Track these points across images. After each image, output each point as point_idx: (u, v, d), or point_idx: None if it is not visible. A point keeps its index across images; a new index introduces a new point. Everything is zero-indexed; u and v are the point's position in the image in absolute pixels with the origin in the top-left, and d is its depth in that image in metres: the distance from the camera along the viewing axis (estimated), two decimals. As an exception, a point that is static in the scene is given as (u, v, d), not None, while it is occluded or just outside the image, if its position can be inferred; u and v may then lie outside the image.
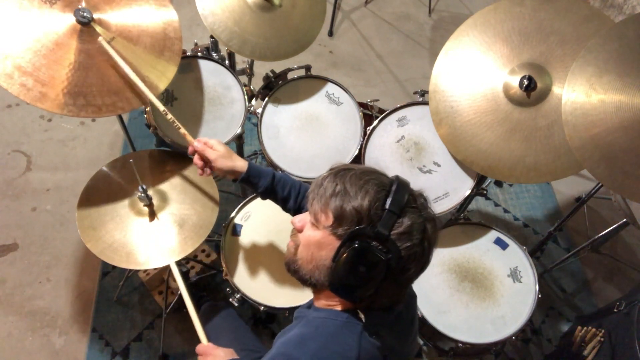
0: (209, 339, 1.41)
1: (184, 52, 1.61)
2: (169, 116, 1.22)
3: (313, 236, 0.81)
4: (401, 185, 0.79)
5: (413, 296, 0.99)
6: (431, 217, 0.81)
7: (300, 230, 0.85)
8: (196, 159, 1.18)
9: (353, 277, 0.76)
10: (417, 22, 3.17)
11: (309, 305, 0.92)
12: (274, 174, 1.20)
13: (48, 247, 2.04)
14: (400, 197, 0.77)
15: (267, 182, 1.18)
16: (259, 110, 1.67)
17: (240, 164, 1.17)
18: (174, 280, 1.86)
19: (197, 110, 1.64)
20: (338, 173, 0.80)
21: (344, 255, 0.76)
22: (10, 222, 2.09)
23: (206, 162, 1.17)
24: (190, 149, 1.19)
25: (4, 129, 2.37)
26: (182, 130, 1.22)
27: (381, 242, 0.75)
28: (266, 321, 1.91)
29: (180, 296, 1.80)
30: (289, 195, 1.19)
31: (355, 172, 0.80)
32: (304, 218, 0.85)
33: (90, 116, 1.26)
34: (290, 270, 0.87)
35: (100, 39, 1.25)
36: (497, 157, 1.44)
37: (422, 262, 0.80)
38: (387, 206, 0.75)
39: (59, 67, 1.20)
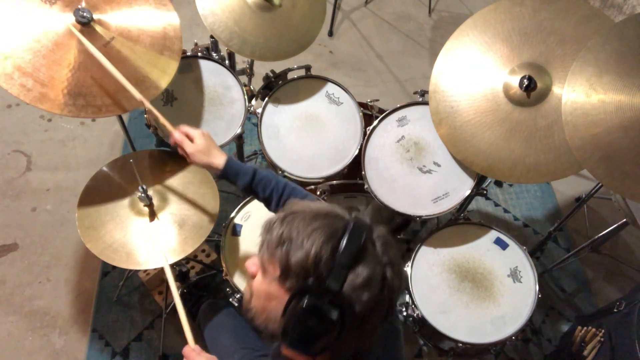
0: (210, 338, 1.41)
1: (184, 52, 1.61)
2: (147, 104, 1.21)
3: (262, 286, 0.75)
4: (356, 230, 0.70)
5: (394, 332, 0.94)
6: (392, 261, 0.73)
7: (253, 276, 0.79)
8: (179, 149, 1.16)
9: (305, 334, 0.69)
10: (417, 22, 3.17)
11: (276, 349, 0.86)
12: (254, 173, 1.14)
13: (48, 247, 2.04)
14: (353, 245, 0.68)
15: (246, 182, 1.13)
16: (259, 110, 1.67)
17: (218, 162, 1.13)
18: (174, 280, 1.85)
19: (197, 110, 1.64)
20: (286, 217, 0.73)
21: (293, 311, 0.69)
22: (10, 222, 2.09)
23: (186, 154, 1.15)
24: (171, 140, 1.17)
25: (4, 129, 2.36)
26: (162, 120, 1.20)
27: (332, 297, 0.68)
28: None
29: (181, 296, 1.80)
30: (270, 197, 1.14)
31: (304, 216, 0.72)
32: (257, 263, 0.78)
33: (90, 116, 1.26)
34: (246, 317, 0.81)
35: (84, 41, 1.23)
36: (497, 157, 1.44)
37: (384, 311, 0.73)
38: (337, 258, 0.67)
39: (58, 67, 1.20)
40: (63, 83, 1.20)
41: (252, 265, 0.79)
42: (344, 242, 0.68)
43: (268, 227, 0.75)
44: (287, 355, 0.79)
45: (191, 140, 1.15)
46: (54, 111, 1.18)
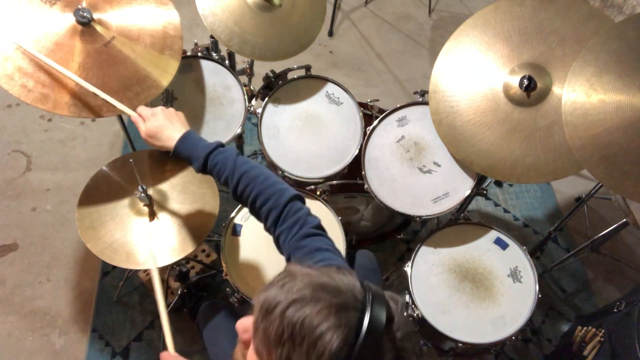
0: (208, 339, 1.41)
1: (184, 52, 1.61)
2: (91, 87, 1.15)
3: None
4: (372, 329, 0.58)
5: None
6: (412, 358, 0.62)
7: (246, 345, 0.69)
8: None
9: None
10: (417, 22, 3.17)
11: None
12: (207, 156, 0.99)
13: (48, 247, 2.04)
14: (368, 353, 0.58)
15: (199, 165, 1.00)
16: (259, 110, 1.67)
17: (169, 144, 1.01)
18: (174, 280, 1.86)
19: (197, 110, 1.64)
20: (288, 307, 0.59)
21: None
22: (10, 222, 2.09)
23: None
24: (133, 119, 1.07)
25: (4, 129, 2.37)
26: (119, 105, 1.11)
27: None
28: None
29: (180, 296, 1.81)
30: (226, 183, 1.00)
31: (310, 310, 0.58)
32: (248, 328, 0.67)
33: (92, 116, 1.26)
34: None
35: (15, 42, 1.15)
36: (497, 157, 1.44)
37: None
38: None
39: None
40: (64, 83, 1.20)
41: (243, 332, 0.69)
42: (356, 349, 0.57)
43: (265, 311, 0.62)
44: None
45: (143, 120, 1.03)
46: (56, 112, 1.18)
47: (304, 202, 0.98)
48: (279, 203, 0.93)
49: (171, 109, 1.05)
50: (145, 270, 1.91)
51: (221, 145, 1.02)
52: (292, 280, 0.63)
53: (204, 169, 1.00)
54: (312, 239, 0.91)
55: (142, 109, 1.05)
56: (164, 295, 1.17)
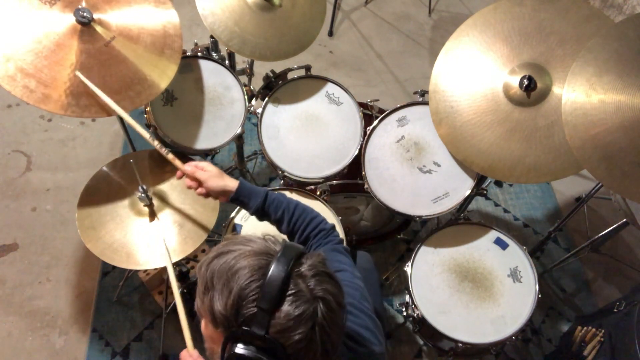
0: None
1: (184, 52, 1.61)
2: (156, 143, 1.21)
3: (206, 330, 0.75)
4: (278, 268, 0.67)
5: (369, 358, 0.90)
6: (324, 295, 0.69)
7: (201, 315, 0.78)
8: (187, 181, 1.17)
9: None
10: (417, 22, 3.17)
11: None
12: (266, 194, 1.14)
13: (48, 247, 2.04)
14: (273, 287, 0.66)
15: (259, 203, 1.13)
16: (259, 110, 1.67)
17: (232, 184, 1.14)
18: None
19: (197, 110, 1.64)
20: (213, 260, 0.71)
21: (228, 358, 0.68)
22: (10, 222, 2.09)
23: (199, 183, 1.16)
24: (178, 173, 1.18)
25: (4, 129, 2.37)
26: (171, 156, 1.20)
27: (260, 342, 0.67)
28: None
29: (180, 296, 1.80)
30: (282, 218, 1.14)
31: (228, 257, 0.70)
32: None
33: (93, 116, 1.26)
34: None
35: (77, 73, 1.23)
36: (497, 157, 1.44)
37: (320, 348, 0.70)
38: (257, 302, 0.66)
39: (60, 68, 1.20)
40: (65, 83, 1.20)
41: (198, 308, 0.77)
42: (264, 283, 0.66)
43: (198, 269, 0.73)
44: None
45: (201, 169, 1.16)
46: (58, 112, 1.19)
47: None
48: (327, 227, 1.13)
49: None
50: (145, 270, 1.91)
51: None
52: (223, 243, 0.74)
53: (262, 205, 1.14)
54: (337, 254, 1.07)
55: (194, 162, 1.18)
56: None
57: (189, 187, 1.17)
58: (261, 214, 1.16)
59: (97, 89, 1.22)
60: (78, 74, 1.22)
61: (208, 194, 1.16)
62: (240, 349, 0.67)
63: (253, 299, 0.66)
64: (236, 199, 1.15)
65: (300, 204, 1.16)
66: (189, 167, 1.16)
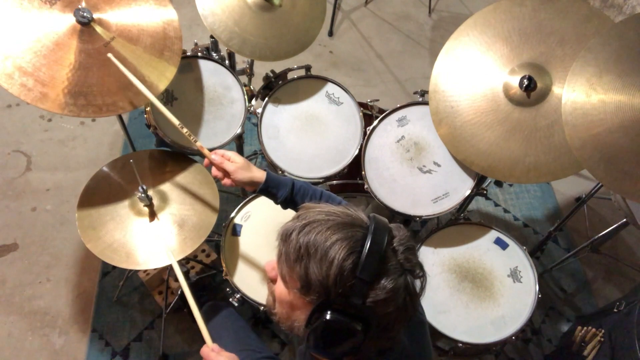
0: (212, 337, 1.40)
1: (184, 52, 1.61)
2: (185, 130, 1.20)
3: (285, 295, 0.77)
4: (376, 241, 0.69)
5: (421, 324, 0.94)
6: (412, 267, 0.73)
7: (273, 281, 0.80)
8: (214, 171, 1.18)
9: (329, 343, 0.72)
10: (417, 22, 3.17)
11: (303, 349, 0.88)
12: (293, 183, 1.17)
13: (48, 247, 2.04)
14: (374, 260, 0.68)
15: (287, 192, 1.16)
16: (259, 110, 1.67)
17: (259, 175, 1.16)
18: (174, 280, 1.86)
19: (197, 110, 1.64)
20: (303, 228, 0.72)
21: (316, 324, 0.71)
22: (10, 222, 2.09)
23: (225, 174, 1.17)
24: (205, 161, 1.19)
25: (4, 129, 2.37)
26: (199, 144, 1.20)
27: (355, 311, 0.69)
28: (266, 321, 1.91)
29: (181, 296, 1.80)
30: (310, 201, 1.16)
31: (322, 226, 0.71)
32: (275, 265, 0.79)
33: (91, 116, 1.26)
34: (271, 319, 0.85)
35: (110, 55, 1.25)
36: (497, 157, 1.44)
37: (407, 317, 0.74)
38: (357, 274, 0.68)
39: (59, 67, 1.20)
40: (64, 83, 1.20)
41: (271, 269, 0.79)
42: (363, 256, 0.68)
43: (285, 237, 0.74)
44: (313, 355, 0.82)
45: (228, 159, 1.17)
46: (55, 111, 1.19)
47: None
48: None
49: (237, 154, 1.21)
50: (145, 270, 1.91)
51: None
52: (307, 212, 0.75)
53: (291, 194, 1.16)
54: None
55: (224, 151, 1.19)
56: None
57: (215, 177, 1.18)
58: (288, 203, 1.17)
59: (127, 71, 1.23)
60: (110, 56, 1.24)
61: (234, 184, 1.17)
62: (335, 315, 0.69)
63: (352, 269, 0.68)
64: (264, 190, 1.16)
65: (326, 192, 1.18)
66: (216, 157, 1.16)
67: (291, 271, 0.73)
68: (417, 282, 0.75)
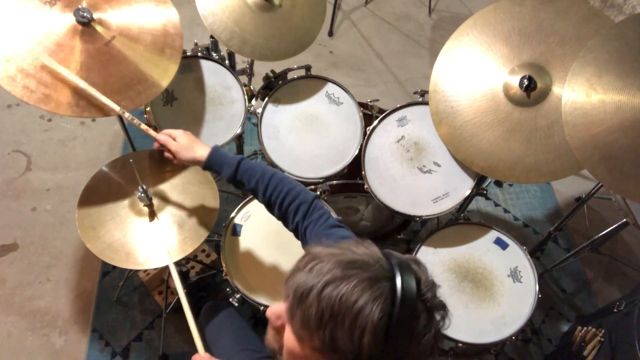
0: (211, 339, 1.41)
1: (184, 52, 1.61)
2: (127, 115, 1.21)
3: (296, 349, 0.68)
4: (406, 297, 0.62)
5: None
6: (438, 304, 0.67)
7: (278, 329, 0.72)
8: (166, 152, 1.18)
9: None
10: (417, 22, 3.17)
11: None
12: (237, 165, 1.09)
13: (48, 247, 2.04)
14: (406, 317, 0.62)
15: (230, 172, 1.10)
16: (259, 110, 1.67)
17: (201, 154, 1.12)
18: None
19: (197, 110, 1.64)
20: (323, 289, 0.63)
21: None
22: (10, 222, 2.09)
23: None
24: (155, 144, 1.19)
25: (4, 129, 2.37)
26: (143, 126, 1.21)
27: None
28: (266, 321, 1.91)
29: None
30: (256, 188, 1.08)
31: (346, 287, 0.62)
32: (281, 315, 0.70)
33: (94, 116, 1.26)
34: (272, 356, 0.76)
35: (45, 60, 1.18)
36: (497, 157, 1.44)
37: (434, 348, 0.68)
38: (389, 344, 0.61)
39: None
40: (66, 83, 1.20)
41: (276, 319, 0.72)
42: (395, 318, 0.61)
43: (301, 298, 0.64)
44: None
45: (174, 139, 1.15)
46: (58, 112, 1.19)
47: None
48: (307, 199, 1.04)
49: (187, 132, 1.18)
50: (145, 270, 1.91)
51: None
52: (320, 263, 0.65)
53: (234, 175, 1.09)
54: (338, 229, 1.02)
55: (169, 130, 1.16)
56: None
57: (167, 157, 1.17)
58: (234, 184, 1.12)
59: (64, 68, 1.19)
60: (43, 56, 1.18)
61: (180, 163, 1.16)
62: None
63: (385, 332, 0.61)
64: (208, 169, 1.13)
65: (278, 174, 1.09)
66: (162, 136, 1.16)
67: (311, 337, 0.65)
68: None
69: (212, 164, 1.12)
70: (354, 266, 0.64)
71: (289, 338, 0.69)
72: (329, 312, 0.62)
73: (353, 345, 0.61)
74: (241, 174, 1.10)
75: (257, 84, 1.86)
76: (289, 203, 1.05)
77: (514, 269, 1.56)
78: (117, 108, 1.21)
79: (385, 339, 0.61)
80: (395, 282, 0.63)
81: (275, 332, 0.74)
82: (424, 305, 0.65)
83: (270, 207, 1.10)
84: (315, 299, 0.63)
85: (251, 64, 2.00)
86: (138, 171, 1.32)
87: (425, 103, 1.60)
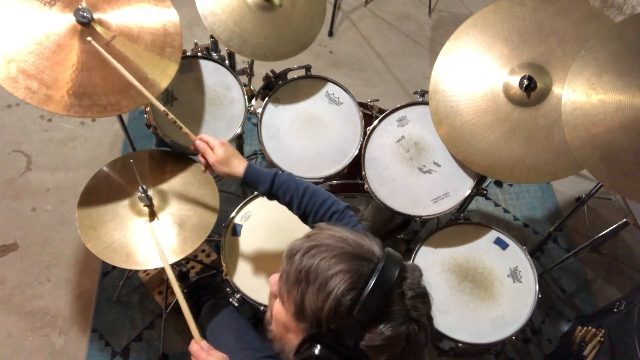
0: (212, 338, 1.40)
1: (184, 52, 1.61)
2: (170, 116, 1.22)
3: (281, 315, 0.72)
4: (382, 280, 0.64)
5: None
6: (418, 317, 0.67)
7: (274, 295, 0.75)
8: (200, 156, 1.18)
9: None
10: (417, 22, 3.17)
11: None
12: (273, 179, 1.14)
13: (48, 247, 2.04)
14: (375, 301, 0.63)
15: (266, 188, 1.15)
16: (259, 110, 1.67)
17: (238, 170, 1.15)
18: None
19: (197, 110, 1.64)
20: (309, 250, 0.67)
21: (304, 355, 0.66)
22: (10, 222, 2.09)
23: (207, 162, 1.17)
24: (192, 147, 1.20)
25: (4, 129, 2.37)
26: (185, 130, 1.22)
27: (346, 351, 0.64)
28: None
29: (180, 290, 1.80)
30: (291, 201, 1.14)
31: (329, 253, 0.66)
32: (277, 280, 0.75)
33: (97, 116, 1.26)
34: (268, 336, 0.80)
35: (93, 42, 1.23)
36: (497, 157, 1.44)
37: None
38: (354, 313, 0.62)
39: (62, 68, 1.20)
40: (67, 84, 1.20)
41: (273, 284, 0.75)
42: (365, 294, 0.63)
43: (290, 255, 0.70)
44: None
45: (211, 149, 1.16)
46: (61, 112, 1.19)
47: None
48: (339, 208, 1.10)
49: (226, 142, 1.19)
50: (145, 270, 1.91)
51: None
52: (318, 233, 0.71)
53: (269, 191, 1.14)
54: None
55: (208, 138, 1.17)
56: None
57: (200, 161, 1.19)
58: (269, 197, 1.17)
59: (111, 57, 1.21)
60: (89, 39, 1.22)
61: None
62: (324, 352, 0.65)
63: (349, 307, 0.63)
64: (244, 185, 1.17)
65: (311, 187, 1.14)
66: (201, 143, 1.16)
67: (288, 293, 0.69)
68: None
69: (248, 182, 1.16)
70: (346, 242, 0.68)
71: (277, 302, 0.74)
72: (305, 271, 0.66)
73: (316, 308, 0.64)
74: (276, 189, 1.14)
75: (257, 84, 1.86)
76: (324, 213, 1.11)
77: (514, 269, 1.56)
78: (162, 108, 1.20)
79: (349, 314, 0.63)
80: (377, 267, 0.65)
81: (272, 298, 0.77)
82: (401, 301, 0.66)
83: (304, 218, 1.14)
84: (299, 257, 0.68)
85: (251, 64, 2.00)
86: (138, 171, 1.32)
87: (425, 103, 1.60)
